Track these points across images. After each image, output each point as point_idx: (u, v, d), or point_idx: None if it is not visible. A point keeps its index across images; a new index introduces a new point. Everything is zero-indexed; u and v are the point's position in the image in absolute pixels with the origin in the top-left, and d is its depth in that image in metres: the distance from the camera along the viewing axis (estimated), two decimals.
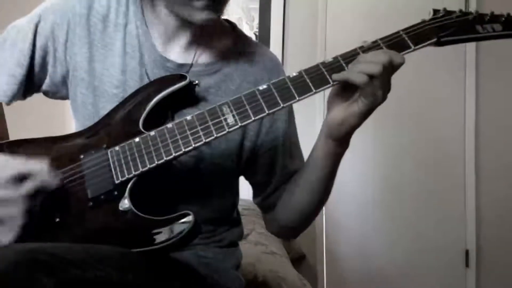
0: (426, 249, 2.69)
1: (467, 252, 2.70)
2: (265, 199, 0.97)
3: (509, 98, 2.74)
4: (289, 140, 0.95)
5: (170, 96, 0.82)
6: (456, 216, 2.72)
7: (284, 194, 0.94)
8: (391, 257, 2.70)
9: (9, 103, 0.91)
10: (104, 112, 0.85)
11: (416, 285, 2.68)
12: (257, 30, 2.73)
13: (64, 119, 0.95)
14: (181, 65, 0.89)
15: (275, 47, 2.66)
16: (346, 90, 0.76)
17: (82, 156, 0.79)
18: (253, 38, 2.68)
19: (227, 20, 0.99)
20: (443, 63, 2.68)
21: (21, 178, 0.71)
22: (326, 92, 0.78)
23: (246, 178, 0.99)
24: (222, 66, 0.91)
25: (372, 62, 0.72)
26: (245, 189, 1.02)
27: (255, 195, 1.00)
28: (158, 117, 0.83)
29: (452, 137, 2.75)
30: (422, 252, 2.69)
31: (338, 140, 0.80)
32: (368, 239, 2.70)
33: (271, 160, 0.94)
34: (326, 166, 0.83)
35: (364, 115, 0.75)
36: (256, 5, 2.73)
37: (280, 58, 2.63)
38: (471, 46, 2.72)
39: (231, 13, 2.71)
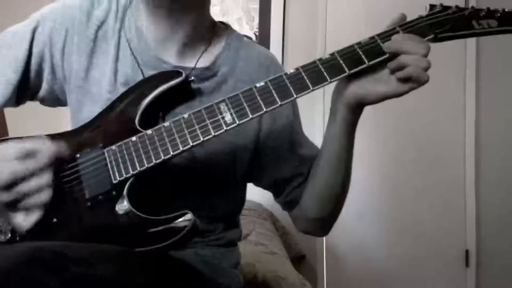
0: (426, 249, 2.69)
1: (467, 252, 2.70)
2: (289, 194, 0.95)
3: (509, 98, 2.75)
4: (297, 134, 0.95)
5: (165, 93, 0.81)
6: (456, 216, 2.72)
7: (308, 182, 0.92)
8: (391, 257, 2.70)
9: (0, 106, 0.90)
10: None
11: (416, 285, 2.68)
12: (257, 30, 2.73)
13: (67, 121, 0.94)
14: (178, 68, 0.88)
15: (275, 47, 2.66)
16: (372, 67, 0.74)
17: (78, 155, 0.78)
18: (253, 38, 2.69)
19: (222, 22, 0.99)
20: (443, 61, 2.68)
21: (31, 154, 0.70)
22: (326, 91, 0.77)
23: (256, 183, 0.97)
24: (218, 68, 0.90)
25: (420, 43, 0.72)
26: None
27: (276, 195, 0.98)
28: (153, 114, 0.82)
29: (452, 137, 2.75)
30: (422, 252, 2.69)
31: (353, 109, 0.78)
32: (368, 239, 2.71)
33: (279, 159, 0.92)
34: (343, 135, 0.81)
35: (393, 96, 0.75)
36: (256, 5, 2.73)
37: (280, 58, 2.63)
38: (471, 45, 2.72)
39: (231, 13, 2.72)
